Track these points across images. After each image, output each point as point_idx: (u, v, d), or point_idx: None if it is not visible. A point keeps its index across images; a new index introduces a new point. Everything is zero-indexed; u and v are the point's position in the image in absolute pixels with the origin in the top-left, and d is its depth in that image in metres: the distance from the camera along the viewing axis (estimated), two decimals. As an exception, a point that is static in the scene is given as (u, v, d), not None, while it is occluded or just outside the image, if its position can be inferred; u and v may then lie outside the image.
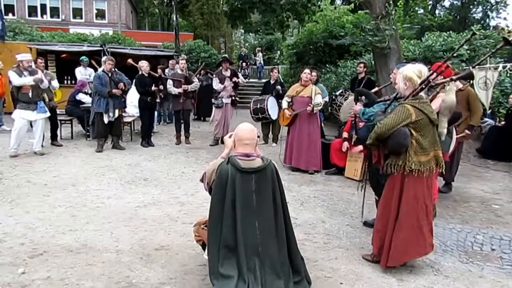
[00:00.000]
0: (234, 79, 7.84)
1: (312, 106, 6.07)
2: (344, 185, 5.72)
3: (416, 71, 3.11)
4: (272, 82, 8.67)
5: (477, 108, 5.19)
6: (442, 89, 3.79)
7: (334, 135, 8.21)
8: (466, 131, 5.16)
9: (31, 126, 6.69)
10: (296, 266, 2.68)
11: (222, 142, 7.25)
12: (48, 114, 6.83)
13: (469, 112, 5.16)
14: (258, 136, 2.76)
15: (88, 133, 8.26)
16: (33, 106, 6.51)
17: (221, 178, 2.55)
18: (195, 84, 8.24)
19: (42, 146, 6.88)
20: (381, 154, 3.28)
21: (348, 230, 4.04)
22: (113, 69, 7.21)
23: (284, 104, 6.46)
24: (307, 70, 6.33)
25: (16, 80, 6.34)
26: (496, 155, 7.48)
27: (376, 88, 4.79)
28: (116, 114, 7.25)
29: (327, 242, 3.74)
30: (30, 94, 6.44)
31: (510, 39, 2.82)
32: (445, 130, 3.75)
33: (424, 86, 3.03)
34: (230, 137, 2.85)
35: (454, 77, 3.66)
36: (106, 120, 7.11)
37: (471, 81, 7.78)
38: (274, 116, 7.82)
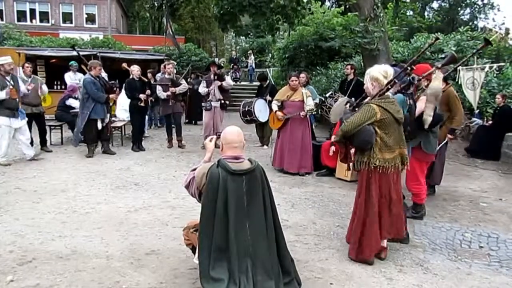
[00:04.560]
0: (217, 82, 7.82)
1: (306, 111, 6.13)
2: (335, 186, 5.76)
3: (382, 71, 3.21)
4: (264, 85, 8.74)
5: (458, 110, 4.94)
6: (423, 93, 3.87)
7: (325, 136, 8.26)
8: (448, 135, 4.97)
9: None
10: (285, 266, 2.69)
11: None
12: (26, 118, 6.66)
13: (450, 114, 4.92)
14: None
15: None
16: (17, 113, 6.33)
17: (212, 181, 2.55)
18: (183, 86, 8.21)
19: (33, 150, 6.81)
20: (347, 152, 3.42)
21: (339, 231, 4.06)
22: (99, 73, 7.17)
23: (274, 107, 6.44)
24: (293, 78, 6.28)
25: None
26: (484, 154, 7.60)
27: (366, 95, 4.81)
28: (107, 119, 7.24)
29: (318, 243, 3.76)
30: (17, 100, 6.29)
31: (490, 39, 2.91)
32: (429, 118, 3.78)
33: (390, 87, 3.14)
34: (210, 140, 2.87)
35: (439, 64, 3.73)
36: (100, 126, 7.08)
37: (458, 80, 7.91)
38: (262, 118, 7.82)
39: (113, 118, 8.14)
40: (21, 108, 6.45)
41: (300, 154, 6.24)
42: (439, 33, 10.77)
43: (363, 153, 3.20)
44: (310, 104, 6.24)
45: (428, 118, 3.76)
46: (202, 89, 7.91)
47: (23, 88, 6.51)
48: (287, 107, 6.32)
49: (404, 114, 3.50)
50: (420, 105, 3.81)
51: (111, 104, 7.43)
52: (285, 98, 6.34)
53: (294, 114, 6.21)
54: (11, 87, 6.23)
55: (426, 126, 3.87)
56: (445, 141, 4.98)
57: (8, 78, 6.25)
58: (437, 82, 3.64)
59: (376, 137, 3.13)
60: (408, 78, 3.74)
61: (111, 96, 7.02)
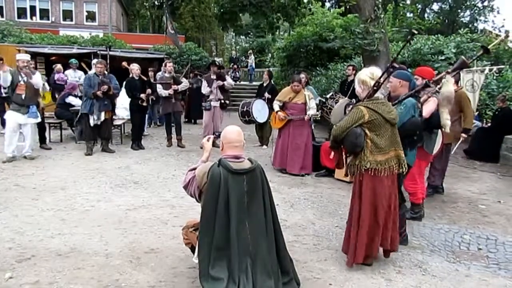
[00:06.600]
0: (219, 82, 7.83)
1: (310, 115, 6.13)
2: (334, 186, 5.76)
3: (369, 73, 3.22)
4: (265, 84, 8.75)
5: (469, 111, 5.30)
6: (432, 94, 3.88)
7: (325, 137, 8.27)
8: (463, 134, 5.31)
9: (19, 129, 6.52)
10: (284, 266, 2.70)
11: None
12: (39, 119, 6.71)
13: (462, 114, 5.24)
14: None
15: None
16: (25, 109, 6.35)
17: (213, 180, 2.55)
18: (184, 84, 8.23)
19: (31, 149, 6.79)
20: (340, 157, 3.41)
21: (338, 232, 4.07)
22: (104, 72, 7.13)
23: (276, 107, 6.40)
24: (296, 83, 6.23)
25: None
26: (483, 156, 7.60)
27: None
28: (102, 117, 7.08)
29: (317, 244, 3.77)
30: (23, 96, 6.30)
31: (492, 43, 2.93)
32: (448, 122, 3.88)
33: (376, 88, 3.12)
34: (208, 140, 2.88)
35: (449, 69, 3.77)
36: (92, 122, 7.05)
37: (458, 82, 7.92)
38: (261, 119, 7.81)
39: (113, 117, 8.05)
40: (33, 107, 6.47)
41: (303, 155, 6.24)
42: (439, 35, 10.78)
43: (356, 156, 3.17)
44: (313, 107, 6.24)
45: (447, 122, 3.84)
46: (205, 89, 7.91)
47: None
48: (290, 108, 6.29)
49: (415, 119, 3.52)
50: (429, 107, 3.83)
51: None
52: (287, 100, 6.29)
53: (297, 117, 6.18)
54: (22, 82, 6.30)
55: (448, 130, 3.97)
56: (460, 141, 5.17)
57: (22, 74, 6.30)
58: (449, 86, 3.67)
59: (366, 139, 3.09)
60: (424, 81, 3.74)
61: (97, 92, 6.89)
